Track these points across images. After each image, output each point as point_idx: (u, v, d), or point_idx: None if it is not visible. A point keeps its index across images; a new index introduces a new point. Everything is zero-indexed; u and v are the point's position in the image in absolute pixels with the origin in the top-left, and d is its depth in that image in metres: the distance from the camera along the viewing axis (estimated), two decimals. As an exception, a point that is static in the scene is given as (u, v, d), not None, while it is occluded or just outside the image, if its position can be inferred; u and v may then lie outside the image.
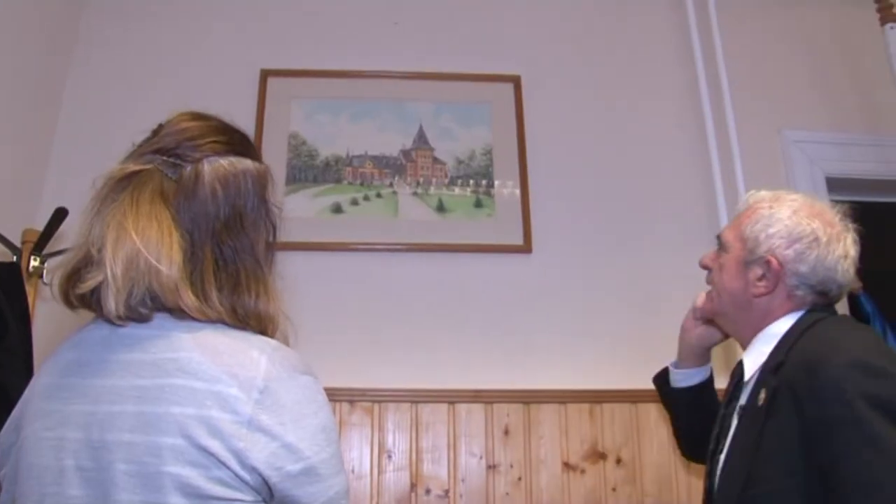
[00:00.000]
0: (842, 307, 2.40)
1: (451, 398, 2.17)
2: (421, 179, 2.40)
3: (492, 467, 2.11)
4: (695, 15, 2.62)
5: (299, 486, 0.96)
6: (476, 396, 2.17)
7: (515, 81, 2.52)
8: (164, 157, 1.05)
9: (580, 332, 2.26)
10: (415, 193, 2.39)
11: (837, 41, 2.75)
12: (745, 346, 1.53)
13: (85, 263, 0.99)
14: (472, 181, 2.41)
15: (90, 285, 0.97)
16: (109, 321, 0.99)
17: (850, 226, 1.50)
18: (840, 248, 1.45)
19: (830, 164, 2.57)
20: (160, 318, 0.99)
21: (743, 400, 1.44)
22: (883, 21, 2.42)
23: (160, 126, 1.10)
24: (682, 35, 2.65)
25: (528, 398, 2.18)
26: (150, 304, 0.98)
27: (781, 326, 1.44)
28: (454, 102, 2.49)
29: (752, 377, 1.45)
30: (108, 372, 0.97)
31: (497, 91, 2.51)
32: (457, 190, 2.39)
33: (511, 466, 2.12)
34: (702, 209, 2.43)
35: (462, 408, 2.16)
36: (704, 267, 1.64)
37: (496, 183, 2.41)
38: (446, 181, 2.41)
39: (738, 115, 2.49)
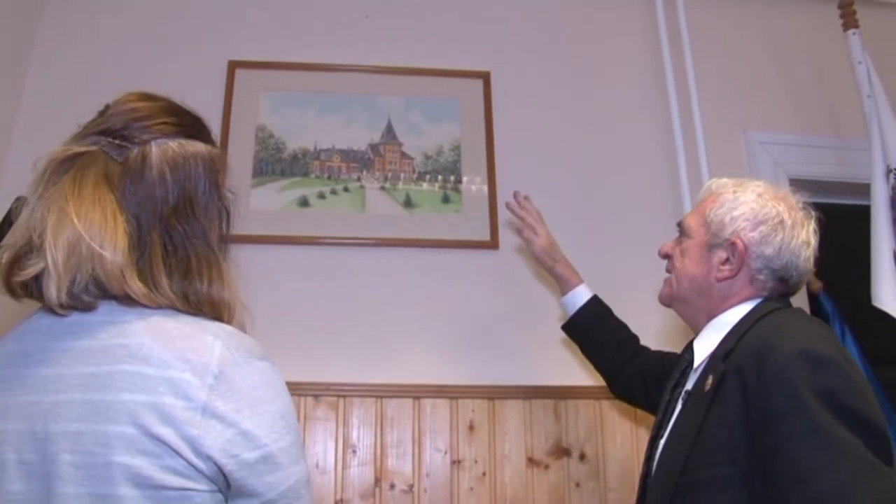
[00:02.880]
0: (803, 307, 2.44)
1: (416, 393, 2.16)
2: (389, 174, 2.40)
3: (456, 462, 2.12)
4: (664, 15, 2.64)
5: (257, 475, 0.93)
6: (441, 392, 2.17)
7: (485, 78, 2.52)
8: (110, 139, 1.01)
9: (545, 328, 2.26)
10: (382, 188, 2.38)
11: (802, 45, 2.79)
12: (697, 332, 1.53)
13: (26, 250, 0.95)
14: (439, 177, 2.40)
15: (31, 273, 0.93)
16: (52, 310, 0.95)
17: (812, 214, 1.52)
18: (803, 234, 1.46)
19: (794, 165, 2.61)
20: (106, 306, 0.96)
21: (689, 385, 1.44)
22: (846, 27, 2.46)
23: (107, 106, 1.07)
24: (650, 35, 2.67)
25: (493, 394, 2.19)
26: (95, 292, 0.94)
27: (735, 315, 1.44)
28: (423, 98, 2.49)
29: (700, 364, 1.45)
30: (53, 361, 0.93)
31: (466, 87, 2.51)
32: (424, 185, 2.39)
33: (475, 462, 2.13)
34: (668, 206, 2.45)
35: (427, 403, 2.16)
36: (665, 255, 1.63)
37: (464, 179, 2.41)
38: (414, 176, 2.40)
39: (705, 115, 2.52)
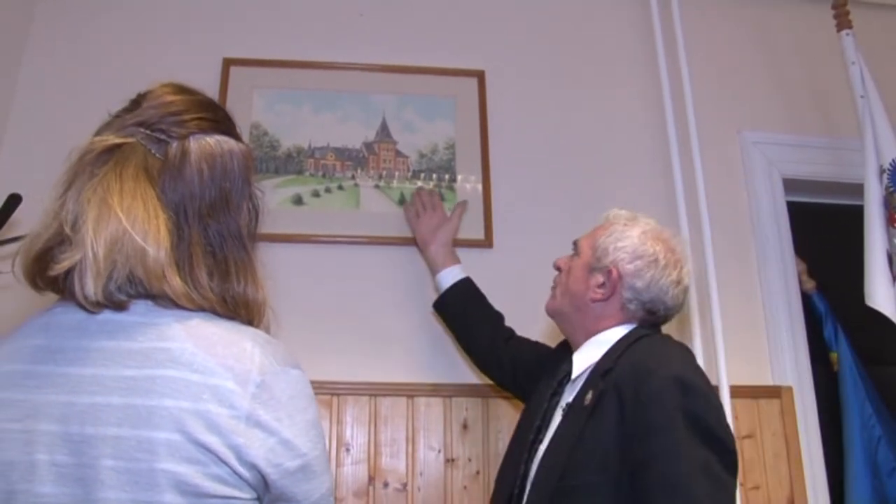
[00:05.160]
0: (796, 307, 2.46)
1: (410, 392, 2.17)
2: (383, 172, 2.40)
3: (450, 461, 2.12)
4: (658, 14, 2.64)
5: (296, 484, 0.94)
6: (435, 390, 2.17)
7: (479, 76, 2.52)
8: (148, 131, 0.99)
9: (539, 326, 2.26)
10: (377, 186, 2.38)
11: (796, 45, 2.80)
12: (576, 347, 1.67)
13: (58, 242, 0.92)
14: (434, 175, 2.40)
15: (65, 266, 0.90)
16: (81, 306, 0.92)
17: (688, 258, 1.69)
18: (675, 275, 1.62)
19: (788, 165, 2.62)
20: (140, 306, 0.94)
21: (570, 398, 1.56)
22: (839, 27, 2.46)
23: (140, 96, 1.04)
24: (645, 35, 2.67)
25: (487, 393, 2.19)
26: (131, 291, 0.92)
27: (612, 335, 1.60)
28: (418, 96, 2.49)
29: (578, 377, 1.60)
30: (87, 360, 0.90)
31: (461, 85, 2.51)
32: (419, 183, 2.39)
33: (469, 460, 2.13)
34: (662, 207, 2.46)
35: (421, 401, 2.16)
36: (557, 268, 1.78)
37: (458, 177, 2.41)
38: (409, 174, 2.40)
39: (699, 114, 2.52)
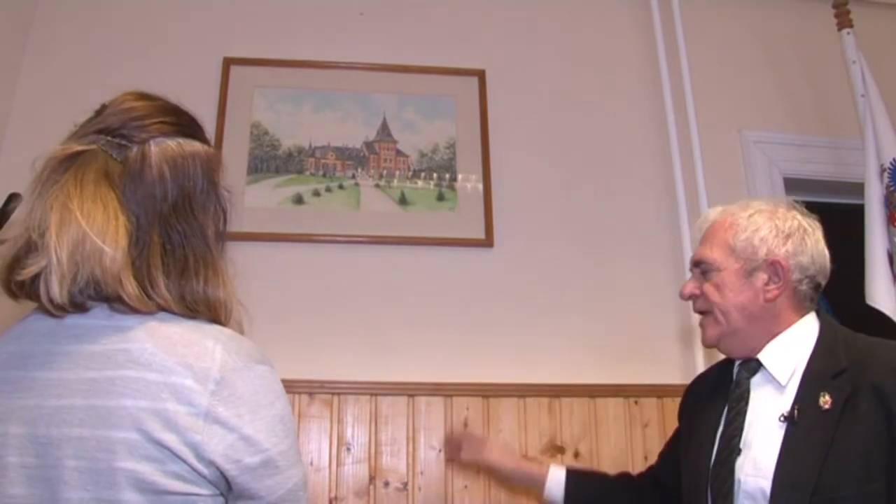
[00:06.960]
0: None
1: (411, 391, 2.16)
2: (384, 172, 2.40)
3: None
4: (659, 14, 2.64)
5: (258, 480, 0.94)
6: (435, 389, 2.17)
7: (480, 76, 2.52)
8: (109, 137, 1.00)
9: (539, 326, 2.27)
10: (377, 186, 2.38)
11: (797, 44, 2.80)
12: (752, 355, 1.49)
13: (27, 250, 0.94)
14: (435, 174, 2.40)
15: (32, 271, 0.92)
16: (49, 311, 0.94)
17: (817, 218, 1.55)
18: (822, 237, 1.52)
19: (788, 164, 2.62)
20: (100, 310, 0.96)
21: (785, 406, 1.40)
22: (840, 26, 2.47)
23: (104, 106, 1.06)
24: (646, 33, 2.67)
25: (488, 392, 2.18)
26: (91, 293, 0.94)
27: (802, 332, 1.47)
28: (418, 95, 2.49)
29: (788, 381, 1.43)
30: (54, 364, 0.93)
31: (461, 85, 2.51)
32: (419, 183, 2.39)
33: (470, 459, 2.13)
34: (662, 207, 2.46)
35: (421, 401, 2.16)
36: (690, 296, 1.57)
37: (459, 177, 2.41)
38: (409, 174, 2.40)
39: (700, 113, 2.52)
